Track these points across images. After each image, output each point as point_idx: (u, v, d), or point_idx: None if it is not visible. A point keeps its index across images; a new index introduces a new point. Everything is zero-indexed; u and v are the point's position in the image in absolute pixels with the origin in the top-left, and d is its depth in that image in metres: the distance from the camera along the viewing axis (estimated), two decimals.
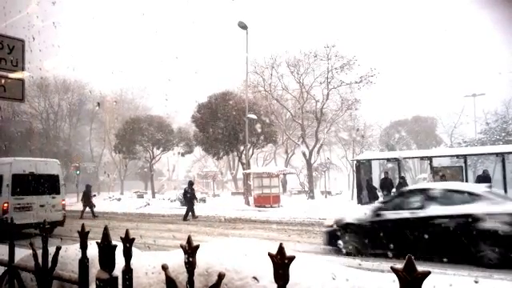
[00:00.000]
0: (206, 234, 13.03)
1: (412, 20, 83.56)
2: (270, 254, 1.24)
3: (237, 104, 29.59)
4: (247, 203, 25.23)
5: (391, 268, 1.01)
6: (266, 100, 32.52)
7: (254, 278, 2.40)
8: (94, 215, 19.62)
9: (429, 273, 0.97)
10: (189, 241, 1.47)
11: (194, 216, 18.10)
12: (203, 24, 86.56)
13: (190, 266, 1.46)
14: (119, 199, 34.83)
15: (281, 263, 1.22)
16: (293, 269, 1.24)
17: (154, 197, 37.56)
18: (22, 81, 4.97)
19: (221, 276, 1.41)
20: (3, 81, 4.79)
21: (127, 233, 1.74)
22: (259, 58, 31.17)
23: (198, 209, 23.80)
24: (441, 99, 65.17)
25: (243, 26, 25.17)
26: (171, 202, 28.41)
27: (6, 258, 2.57)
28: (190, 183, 19.12)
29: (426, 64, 72.96)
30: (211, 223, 16.52)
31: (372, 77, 28.17)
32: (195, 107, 31.94)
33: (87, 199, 19.88)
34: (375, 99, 38.28)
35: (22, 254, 3.00)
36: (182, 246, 1.49)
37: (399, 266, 1.00)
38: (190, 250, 1.46)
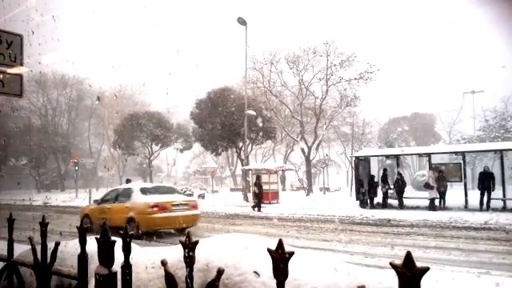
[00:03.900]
0: (206, 229, 13.06)
1: (411, 17, 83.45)
2: (269, 250, 1.25)
3: (236, 100, 29.55)
4: (246, 199, 25.25)
5: (390, 264, 1.01)
6: (265, 96, 32.47)
7: (255, 272, 2.41)
8: None
9: (428, 269, 0.97)
10: (188, 236, 1.47)
11: (259, 209, 18.89)
12: (203, 19, 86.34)
13: (190, 261, 1.46)
14: None
15: (280, 258, 1.22)
16: (292, 264, 1.25)
17: None
18: (20, 76, 4.95)
19: (220, 271, 1.41)
20: (1, 76, 4.77)
21: (126, 228, 1.74)
22: (258, 53, 31.25)
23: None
24: (440, 96, 65.24)
25: (242, 22, 25.11)
26: None
27: (4, 253, 2.57)
28: (258, 177, 20.22)
29: (425, 61, 72.90)
30: (210, 219, 16.54)
31: (371, 73, 28.14)
32: (194, 103, 31.90)
33: None
34: (374, 96, 38.26)
35: (21, 249, 3.00)
36: (181, 242, 1.49)
37: (398, 261, 1.00)
38: (190, 245, 1.46)
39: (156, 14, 75.10)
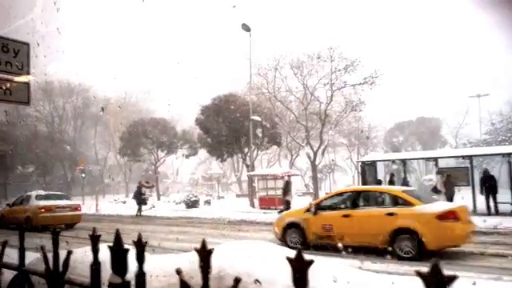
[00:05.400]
0: (212, 236, 13.02)
1: (416, 21, 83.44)
2: (288, 258, 1.22)
3: (241, 106, 29.58)
4: (252, 205, 25.21)
5: (416, 272, 0.99)
6: (270, 102, 32.46)
7: (256, 280, 2.38)
8: (138, 213, 22.24)
9: (456, 277, 0.94)
10: (203, 244, 1.45)
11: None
12: (207, 26, 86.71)
13: (205, 269, 1.44)
14: (124, 202, 34.90)
15: (299, 267, 1.20)
16: None
17: (159, 199, 37.61)
18: (27, 84, 4.98)
19: (237, 280, 1.38)
20: (9, 84, 4.79)
21: (139, 237, 1.73)
22: (263, 59, 31.12)
23: (203, 211, 23.80)
24: (445, 100, 64.87)
25: (247, 29, 25.21)
26: (176, 204, 28.42)
27: (16, 261, 2.56)
28: (287, 182, 19.73)
29: (430, 65, 72.76)
30: (217, 225, 16.51)
31: (376, 78, 28.06)
32: (199, 109, 31.98)
33: (138, 197, 22.78)
34: (379, 100, 38.11)
35: (32, 257, 3.00)
36: (196, 249, 1.47)
37: (424, 269, 0.98)
38: (205, 253, 1.44)
39: (159, 23, 75.70)
